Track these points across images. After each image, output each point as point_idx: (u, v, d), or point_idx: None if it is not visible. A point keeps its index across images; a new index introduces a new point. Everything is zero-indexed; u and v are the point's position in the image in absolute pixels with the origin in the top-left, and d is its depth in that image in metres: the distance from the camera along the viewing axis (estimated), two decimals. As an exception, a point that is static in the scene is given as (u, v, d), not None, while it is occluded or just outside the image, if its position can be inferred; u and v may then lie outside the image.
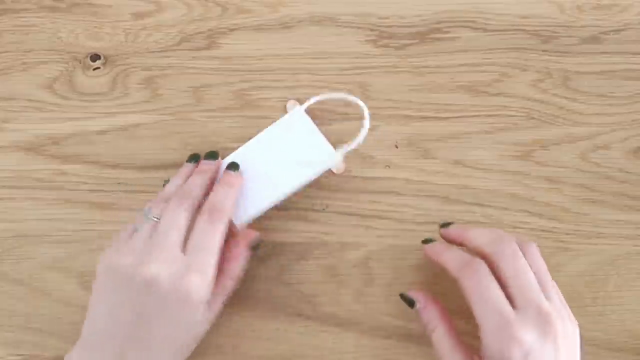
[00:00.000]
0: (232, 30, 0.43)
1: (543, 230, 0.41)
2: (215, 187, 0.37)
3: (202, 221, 0.35)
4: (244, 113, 0.42)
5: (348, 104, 0.42)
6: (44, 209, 0.41)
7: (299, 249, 0.40)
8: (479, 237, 0.35)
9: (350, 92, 0.42)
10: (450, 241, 0.37)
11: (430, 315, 0.36)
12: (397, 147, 0.42)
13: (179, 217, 0.35)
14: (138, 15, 0.43)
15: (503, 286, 0.33)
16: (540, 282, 0.33)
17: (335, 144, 0.41)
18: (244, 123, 0.42)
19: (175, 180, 0.38)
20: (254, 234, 0.38)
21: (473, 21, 0.43)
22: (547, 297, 0.33)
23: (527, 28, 0.43)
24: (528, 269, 0.33)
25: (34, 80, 0.42)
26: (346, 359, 0.40)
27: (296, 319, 0.40)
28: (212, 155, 0.39)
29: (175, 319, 0.34)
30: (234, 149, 0.41)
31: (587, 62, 0.42)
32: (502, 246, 0.34)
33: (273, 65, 0.42)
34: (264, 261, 0.40)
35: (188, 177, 0.38)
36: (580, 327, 0.39)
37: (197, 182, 0.37)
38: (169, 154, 0.41)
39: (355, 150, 0.41)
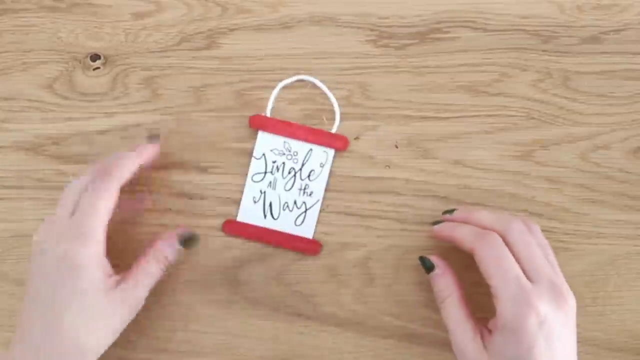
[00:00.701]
0: (232, 30, 0.43)
1: (543, 230, 0.40)
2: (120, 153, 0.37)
3: (86, 183, 0.35)
4: (244, 113, 0.42)
5: (348, 103, 0.42)
6: (44, 209, 0.41)
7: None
8: (484, 217, 0.36)
9: (350, 92, 0.42)
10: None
11: (447, 282, 0.36)
12: (397, 147, 0.42)
13: (75, 188, 0.35)
14: (138, 15, 0.43)
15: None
16: (547, 258, 0.34)
17: (335, 144, 0.41)
18: (244, 123, 0.42)
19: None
20: (187, 229, 0.38)
21: (473, 21, 0.43)
22: (555, 272, 0.34)
23: (527, 28, 0.43)
24: (536, 245, 0.34)
25: (34, 80, 0.42)
26: (346, 359, 0.40)
27: (296, 319, 0.40)
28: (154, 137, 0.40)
29: (71, 287, 0.32)
30: (233, 149, 0.41)
31: (587, 62, 0.42)
32: (510, 223, 0.35)
33: (273, 65, 0.42)
34: (264, 261, 0.40)
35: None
36: (580, 327, 0.40)
37: (124, 160, 0.36)
38: (169, 154, 0.41)
39: (355, 151, 0.41)
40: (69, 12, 0.43)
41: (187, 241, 0.37)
